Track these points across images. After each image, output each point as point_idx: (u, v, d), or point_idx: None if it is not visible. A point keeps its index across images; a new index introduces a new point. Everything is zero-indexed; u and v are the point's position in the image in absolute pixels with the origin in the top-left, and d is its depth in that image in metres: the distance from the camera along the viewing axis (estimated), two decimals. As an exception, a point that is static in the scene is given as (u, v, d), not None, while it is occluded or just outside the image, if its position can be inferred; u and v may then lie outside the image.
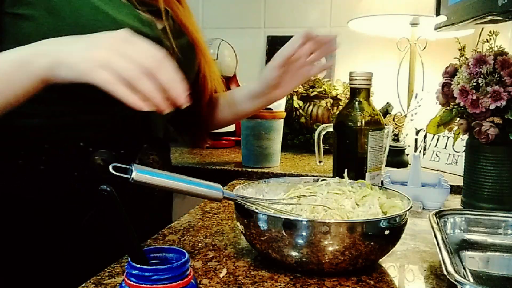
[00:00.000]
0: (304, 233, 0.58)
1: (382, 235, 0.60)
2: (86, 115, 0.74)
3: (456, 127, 0.92)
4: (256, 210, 0.62)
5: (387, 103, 1.25)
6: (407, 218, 0.64)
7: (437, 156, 1.30)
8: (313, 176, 1.11)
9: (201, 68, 0.95)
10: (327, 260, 0.59)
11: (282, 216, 0.60)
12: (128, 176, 0.57)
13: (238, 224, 0.66)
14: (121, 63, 0.58)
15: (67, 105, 0.73)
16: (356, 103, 0.94)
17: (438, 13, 1.11)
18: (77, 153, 0.74)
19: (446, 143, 1.29)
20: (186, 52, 0.86)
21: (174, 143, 1.02)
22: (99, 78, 0.58)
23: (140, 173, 0.58)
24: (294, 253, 0.59)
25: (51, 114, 0.73)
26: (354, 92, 0.95)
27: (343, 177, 0.78)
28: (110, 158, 0.74)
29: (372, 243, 0.59)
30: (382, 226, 0.59)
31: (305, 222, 0.58)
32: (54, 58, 0.60)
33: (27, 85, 0.61)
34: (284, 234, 0.59)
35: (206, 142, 1.12)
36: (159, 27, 0.80)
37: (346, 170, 0.81)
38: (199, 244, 0.71)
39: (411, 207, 0.64)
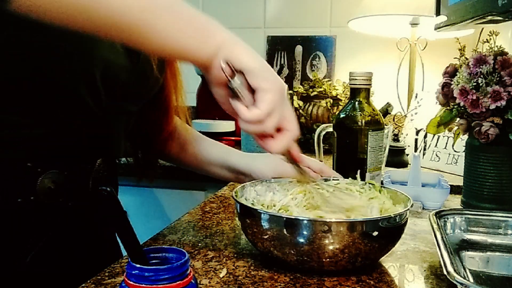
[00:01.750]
0: (305, 232, 0.58)
1: (380, 235, 0.60)
2: (36, 129, 0.62)
3: (456, 127, 0.92)
4: (258, 210, 0.62)
5: (387, 103, 1.25)
6: (406, 219, 0.64)
7: (437, 156, 1.30)
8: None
9: (166, 82, 0.82)
10: (327, 259, 0.59)
11: (284, 216, 0.60)
12: None
13: (239, 222, 0.66)
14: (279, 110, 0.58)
15: (10, 116, 0.61)
16: (356, 103, 0.94)
17: (438, 13, 1.11)
18: (23, 175, 0.62)
19: (446, 143, 1.29)
20: (150, 61, 0.76)
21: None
22: (263, 90, 0.57)
23: None
24: (295, 252, 0.59)
25: None
26: (354, 92, 0.94)
27: (354, 178, 0.77)
28: (61, 180, 0.64)
29: (371, 242, 0.59)
30: (382, 225, 0.59)
31: (306, 222, 0.58)
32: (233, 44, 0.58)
33: (194, 47, 0.56)
34: (286, 233, 0.59)
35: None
36: None
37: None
38: (199, 244, 0.71)
39: (408, 209, 0.63)
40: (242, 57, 0.57)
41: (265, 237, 0.61)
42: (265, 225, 0.61)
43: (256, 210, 0.62)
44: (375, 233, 0.59)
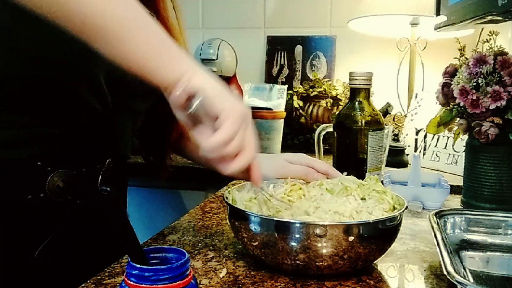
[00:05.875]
0: (297, 236, 0.57)
1: (378, 235, 0.59)
2: (45, 129, 0.65)
3: (456, 127, 0.92)
4: (248, 213, 0.60)
5: (387, 103, 1.25)
6: (399, 221, 0.63)
7: (437, 156, 1.30)
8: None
9: None
10: (323, 264, 0.58)
11: (274, 219, 0.59)
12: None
13: (231, 226, 0.65)
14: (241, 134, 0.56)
15: (20, 116, 0.63)
16: (356, 103, 0.94)
17: (438, 13, 1.11)
18: (33, 173, 0.64)
19: (446, 143, 1.29)
20: None
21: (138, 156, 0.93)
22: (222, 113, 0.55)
23: None
24: (290, 256, 0.58)
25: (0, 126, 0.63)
26: (354, 92, 0.94)
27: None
28: (70, 179, 0.67)
29: (366, 244, 0.58)
30: (380, 227, 0.59)
31: (298, 225, 0.57)
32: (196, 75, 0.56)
33: (158, 69, 0.55)
34: (277, 236, 0.58)
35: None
36: None
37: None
38: (199, 244, 0.71)
39: (396, 215, 0.61)
40: (199, 85, 0.56)
41: (255, 243, 0.60)
42: (255, 229, 0.59)
43: (247, 213, 0.60)
44: (372, 235, 0.58)
